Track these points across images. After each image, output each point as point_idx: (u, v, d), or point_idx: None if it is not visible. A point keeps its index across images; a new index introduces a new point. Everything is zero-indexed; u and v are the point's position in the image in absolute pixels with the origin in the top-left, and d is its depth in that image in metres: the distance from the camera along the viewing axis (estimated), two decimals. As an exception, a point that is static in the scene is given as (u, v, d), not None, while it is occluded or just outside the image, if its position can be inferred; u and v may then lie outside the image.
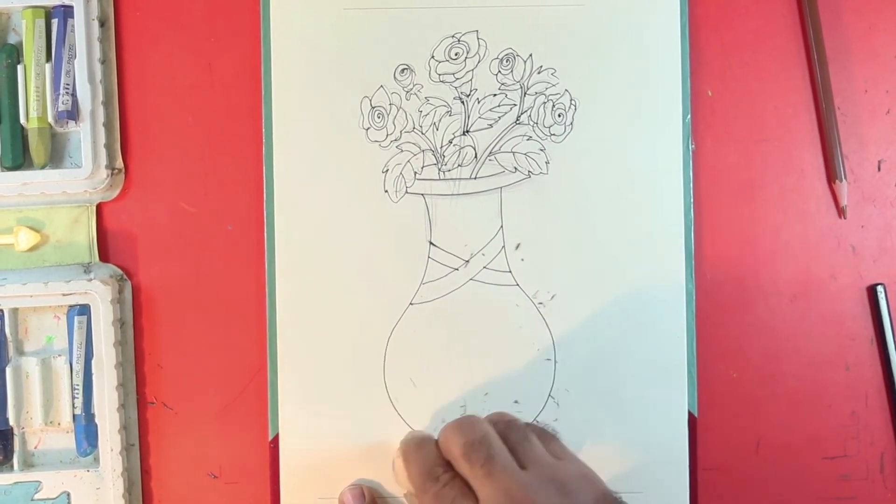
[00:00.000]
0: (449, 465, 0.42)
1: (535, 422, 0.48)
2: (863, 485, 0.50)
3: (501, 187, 0.49)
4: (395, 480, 0.46)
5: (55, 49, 0.48)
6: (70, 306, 0.48)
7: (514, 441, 0.42)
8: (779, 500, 0.50)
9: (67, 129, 0.49)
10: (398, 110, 0.49)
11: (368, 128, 0.49)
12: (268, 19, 0.49)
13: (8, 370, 0.48)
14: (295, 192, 0.49)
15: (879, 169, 0.51)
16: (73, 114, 0.48)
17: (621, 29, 0.49)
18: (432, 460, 0.42)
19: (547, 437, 0.44)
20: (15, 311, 0.49)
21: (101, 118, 0.48)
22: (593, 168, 0.49)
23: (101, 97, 0.49)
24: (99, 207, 0.49)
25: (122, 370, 0.49)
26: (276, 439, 0.48)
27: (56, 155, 0.49)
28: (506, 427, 0.43)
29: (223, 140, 0.50)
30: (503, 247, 0.49)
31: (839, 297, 0.51)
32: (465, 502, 0.40)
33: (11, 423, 0.48)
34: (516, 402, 0.49)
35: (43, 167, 0.49)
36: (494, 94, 0.49)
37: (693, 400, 0.49)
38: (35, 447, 0.49)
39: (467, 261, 0.49)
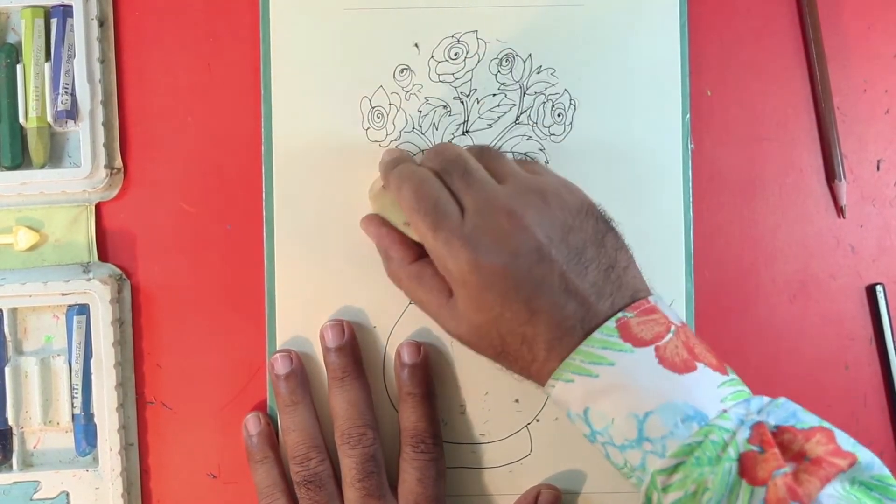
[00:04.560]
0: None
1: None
2: (862, 484, 0.50)
3: (501, 187, 0.49)
4: (369, 201, 0.47)
5: (54, 48, 0.48)
6: (69, 306, 0.48)
7: (488, 159, 0.43)
8: (778, 500, 0.50)
9: (66, 128, 0.49)
10: (398, 110, 0.49)
11: (368, 128, 0.49)
12: (267, 19, 0.49)
13: (7, 370, 0.48)
14: (295, 191, 0.49)
15: (878, 168, 0.51)
16: (72, 113, 0.48)
17: (621, 29, 0.49)
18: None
19: (526, 161, 0.44)
20: (14, 310, 0.49)
21: (100, 118, 0.48)
22: (592, 168, 0.49)
23: (100, 97, 0.49)
24: (98, 207, 0.49)
25: (121, 370, 0.48)
26: (275, 439, 0.49)
27: (55, 154, 0.49)
28: (479, 150, 0.44)
29: (223, 140, 0.50)
30: (503, 246, 0.49)
31: (838, 297, 0.51)
32: (452, 207, 0.41)
33: (10, 422, 0.48)
34: (517, 400, 0.49)
35: (42, 167, 0.49)
36: (494, 94, 0.49)
37: (693, 399, 0.49)
38: (34, 447, 0.49)
39: (467, 260, 0.49)
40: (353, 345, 0.48)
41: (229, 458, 0.49)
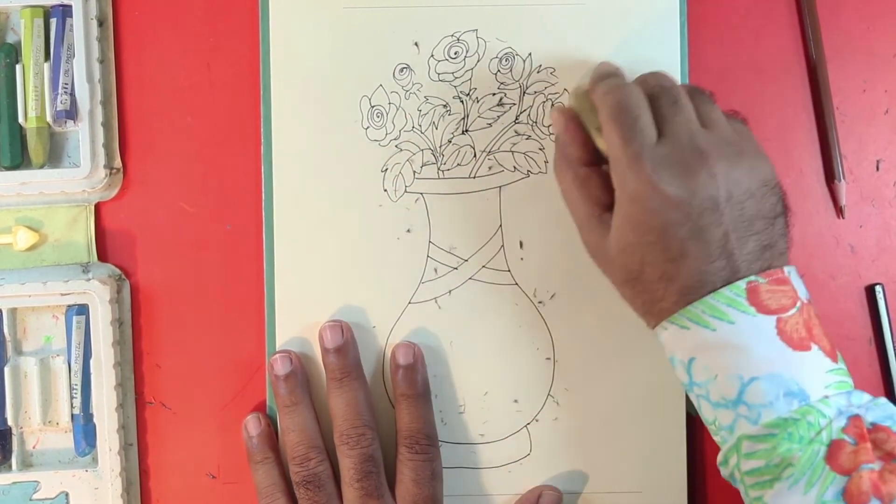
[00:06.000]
0: None
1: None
2: (862, 484, 0.50)
3: (500, 186, 0.49)
4: (570, 99, 0.46)
5: (54, 48, 0.48)
6: (68, 306, 0.48)
7: (700, 101, 0.43)
8: (778, 500, 0.50)
9: (66, 128, 0.49)
10: (397, 109, 0.49)
11: (368, 127, 0.49)
12: (267, 19, 0.49)
13: (6, 370, 0.48)
14: (294, 191, 0.49)
15: (878, 168, 0.51)
16: (71, 113, 0.48)
17: (621, 28, 0.49)
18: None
19: (734, 119, 0.44)
20: (13, 310, 0.49)
21: (99, 118, 0.48)
22: (592, 168, 0.49)
23: (99, 97, 0.49)
24: (97, 207, 0.49)
25: (120, 370, 0.48)
26: (275, 439, 0.49)
27: (54, 154, 0.49)
28: (693, 90, 0.44)
29: (222, 140, 0.50)
30: (502, 246, 0.49)
31: (838, 297, 0.51)
32: (650, 129, 0.41)
33: (10, 422, 0.48)
34: (516, 401, 0.49)
35: (41, 167, 0.49)
36: (493, 94, 0.49)
37: (692, 399, 0.49)
38: (33, 447, 0.49)
39: (466, 260, 0.49)
40: (351, 345, 0.48)
41: (229, 458, 0.49)
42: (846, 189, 0.50)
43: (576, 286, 0.49)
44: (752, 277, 0.39)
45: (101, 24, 0.49)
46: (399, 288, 0.49)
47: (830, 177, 0.50)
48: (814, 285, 0.50)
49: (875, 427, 0.38)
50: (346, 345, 0.47)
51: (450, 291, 0.49)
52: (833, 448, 0.37)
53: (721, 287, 0.39)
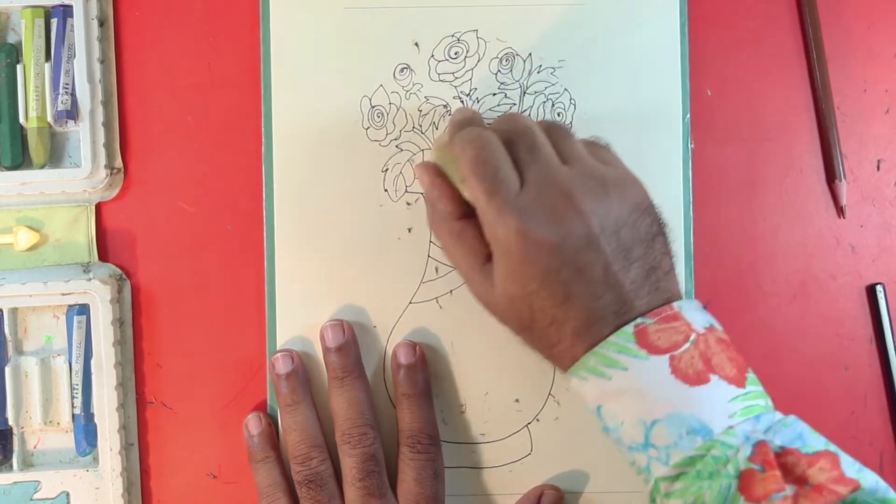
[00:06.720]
0: None
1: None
2: (862, 484, 0.50)
3: (501, 187, 0.49)
4: (432, 151, 0.47)
5: (54, 48, 0.48)
6: (69, 306, 0.48)
7: (558, 137, 0.42)
8: (778, 500, 0.50)
9: (67, 128, 0.49)
10: (398, 110, 0.49)
11: (368, 127, 0.49)
12: (267, 19, 0.49)
13: (7, 370, 0.48)
14: (294, 191, 0.49)
15: (879, 168, 0.51)
16: (72, 113, 0.48)
17: (621, 28, 0.49)
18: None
19: (595, 145, 0.43)
20: (14, 310, 0.49)
21: (100, 118, 0.48)
22: (593, 167, 0.49)
23: (100, 97, 0.49)
24: (98, 207, 0.49)
25: (121, 370, 0.48)
26: (275, 439, 0.49)
27: (55, 154, 0.49)
28: (549, 126, 0.43)
29: (223, 139, 0.50)
30: (503, 246, 0.49)
31: (838, 297, 0.51)
32: (512, 177, 0.40)
33: (11, 422, 0.48)
34: (517, 400, 0.49)
35: (42, 167, 0.49)
36: (494, 94, 0.49)
37: (693, 399, 0.49)
38: (34, 447, 0.49)
39: (467, 260, 0.49)
40: (353, 344, 0.48)
41: (229, 458, 0.49)
42: (847, 189, 0.50)
43: (576, 286, 0.49)
44: (640, 320, 0.38)
45: (101, 24, 0.49)
46: (400, 288, 0.49)
47: (831, 176, 0.50)
48: (814, 285, 0.50)
49: (784, 451, 0.37)
50: (347, 344, 0.47)
51: (451, 291, 0.49)
52: (744, 479, 0.36)
53: (612, 320, 0.39)
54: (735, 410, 0.37)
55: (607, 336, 0.39)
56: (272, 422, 0.48)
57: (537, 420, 0.49)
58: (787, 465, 0.36)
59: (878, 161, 0.51)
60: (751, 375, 0.39)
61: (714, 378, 0.38)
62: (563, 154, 0.41)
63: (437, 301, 0.49)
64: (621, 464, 0.48)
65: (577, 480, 0.49)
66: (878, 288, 0.50)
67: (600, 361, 0.39)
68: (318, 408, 0.48)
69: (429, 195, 0.45)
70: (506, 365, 0.49)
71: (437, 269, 0.49)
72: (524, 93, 0.49)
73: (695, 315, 0.39)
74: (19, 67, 0.48)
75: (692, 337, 0.38)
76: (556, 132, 0.43)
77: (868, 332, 0.51)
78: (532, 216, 0.39)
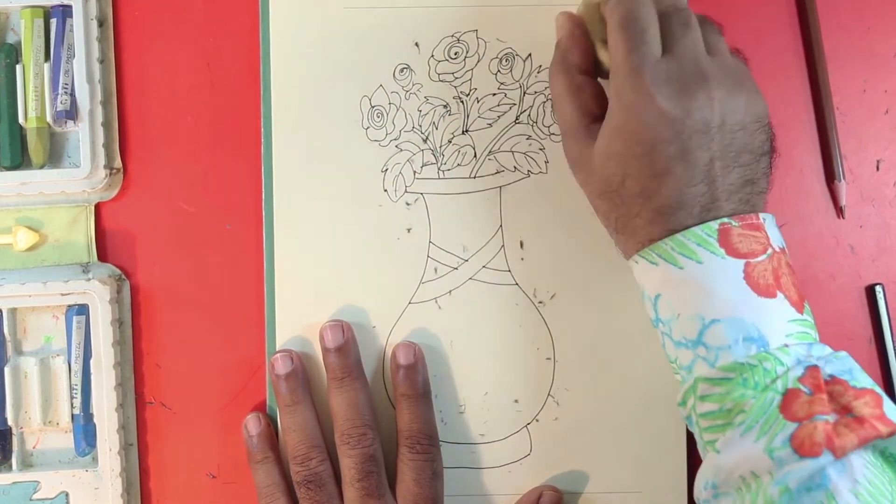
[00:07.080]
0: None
1: None
2: (862, 484, 0.50)
3: (501, 186, 0.49)
4: (579, 5, 0.45)
5: (54, 49, 0.48)
6: (69, 306, 0.48)
7: (707, 30, 0.43)
8: (778, 500, 0.50)
9: (66, 128, 0.49)
10: (397, 110, 0.49)
11: (368, 127, 0.49)
12: (267, 19, 0.49)
13: (6, 370, 0.48)
14: (294, 191, 0.49)
15: (878, 168, 0.51)
16: (71, 113, 0.48)
17: (620, 29, 0.49)
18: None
19: (737, 57, 0.43)
20: (13, 310, 0.49)
21: (99, 118, 0.48)
22: (593, 168, 0.49)
23: (99, 97, 0.49)
24: (97, 207, 0.49)
25: (120, 370, 0.48)
26: (275, 439, 0.49)
27: (55, 155, 0.49)
28: (703, 18, 0.43)
29: (222, 140, 0.50)
30: (502, 246, 0.49)
31: (838, 297, 0.51)
32: (656, 43, 0.41)
33: (10, 422, 0.48)
34: (516, 401, 0.49)
35: (41, 167, 0.49)
36: (494, 94, 0.49)
37: (692, 399, 0.48)
38: (33, 447, 0.49)
39: (467, 260, 0.49)
40: (352, 345, 0.48)
41: (229, 458, 0.49)
42: (846, 189, 0.50)
43: (576, 286, 0.49)
44: (726, 220, 0.39)
45: (101, 24, 0.49)
46: (399, 288, 0.49)
47: (830, 177, 0.50)
48: (814, 285, 0.50)
49: (833, 379, 0.37)
50: (346, 344, 0.47)
51: (450, 291, 0.49)
52: (788, 397, 0.37)
53: (697, 212, 0.39)
54: (792, 332, 0.38)
55: (690, 226, 0.39)
56: (271, 422, 0.48)
57: (536, 420, 0.49)
58: (833, 393, 0.37)
59: (878, 161, 0.51)
60: (807, 307, 0.40)
61: (780, 295, 0.39)
62: (710, 46, 0.42)
63: (436, 301, 0.49)
64: (621, 464, 0.49)
65: (577, 481, 0.49)
66: (878, 288, 0.50)
67: (677, 248, 0.39)
68: (317, 408, 0.48)
69: (563, 43, 0.45)
70: (505, 365, 0.49)
71: (436, 270, 0.49)
72: (524, 93, 0.49)
73: (774, 232, 0.40)
74: (19, 67, 0.48)
75: (769, 251, 0.39)
76: (708, 26, 0.43)
77: (867, 333, 0.51)
78: (664, 84, 0.39)
